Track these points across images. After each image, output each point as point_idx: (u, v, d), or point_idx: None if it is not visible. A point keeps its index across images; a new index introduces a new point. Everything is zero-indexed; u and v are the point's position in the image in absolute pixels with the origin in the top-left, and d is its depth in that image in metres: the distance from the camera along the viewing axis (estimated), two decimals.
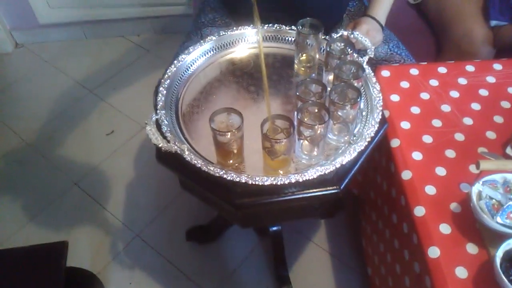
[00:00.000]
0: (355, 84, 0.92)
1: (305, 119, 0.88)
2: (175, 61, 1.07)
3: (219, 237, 1.52)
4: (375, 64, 1.22)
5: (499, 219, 0.81)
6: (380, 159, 1.11)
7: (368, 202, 1.28)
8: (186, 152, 0.87)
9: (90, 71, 2.13)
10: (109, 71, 2.12)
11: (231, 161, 0.91)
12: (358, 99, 0.88)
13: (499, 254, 0.77)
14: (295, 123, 0.86)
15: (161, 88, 1.01)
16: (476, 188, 0.86)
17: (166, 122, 0.94)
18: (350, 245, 1.49)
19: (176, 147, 0.87)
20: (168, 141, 0.89)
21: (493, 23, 1.40)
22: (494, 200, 0.84)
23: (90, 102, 1.99)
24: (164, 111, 0.96)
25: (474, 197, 0.85)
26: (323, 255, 1.49)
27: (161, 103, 0.98)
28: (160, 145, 0.87)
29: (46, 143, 1.84)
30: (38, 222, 1.59)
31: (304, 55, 1.06)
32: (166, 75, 1.04)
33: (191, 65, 1.10)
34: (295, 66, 1.09)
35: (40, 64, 2.18)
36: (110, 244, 1.54)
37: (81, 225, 1.59)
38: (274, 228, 1.42)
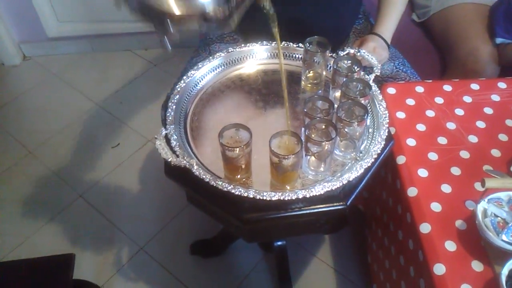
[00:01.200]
0: (362, 102, 0.94)
1: (313, 136, 0.89)
2: (184, 77, 1.09)
3: (223, 252, 1.52)
4: (380, 81, 1.24)
5: (504, 237, 0.81)
6: (386, 176, 1.12)
7: (374, 218, 1.28)
8: (195, 167, 0.88)
9: (97, 84, 2.16)
10: (116, 85, 2.15)
11: (238, 176, 0.92)
12: (365, 117, 0.90)
13: (505, 272, 0.78)
14: (303, 139, 0.87)
15: (170, 103, 1.03)
16: (481, 205, 0.86)
17: (175, 136, 0.95)
18: (355, 261, 1.49)
19: (185, 161, 0.88)
20: (177, 156, 0.90)
21: (499, 40, 1.42)
22: (499, 218, 0.84)
23: (96, 115, 2.01)
24: (173, 126, 0.97)
25: (479, 214, 0.85)
26: (328, 271, 1.49)
27: (170, 118, 0.99)
28: (169, 160, 0.88)
29: (52, 155, 1.85)
30: (42, 234, 1.60)
31: (311, 72, 1.08)
32: (176, 90, 1.06)
33: (200, 81, 1.12)
34: (302, 82, 1.11)
35: (47, 77, 2.21)
36: (115, 256, 1.55)
37: (85, 238, 1.59)
38: (279, 243, 1.43)
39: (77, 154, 1.85)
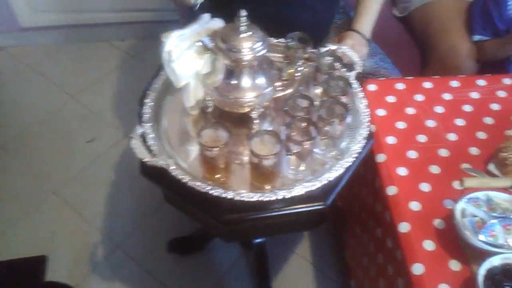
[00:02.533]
0: (343, 100, 0.92)
1: (293, 134, 0.87)
2: (161, 72, 1.05)
3: (202, 249, 1.51)
4: (361, 77, 1.23)
5: (482, 237, 0.82)
6: (365, 174, 1.12)
7: (353, 215, 1.28)
8: (172, 167, 0.85)
9: (72, 76, 2.09)
10: (92, 77, 2.08)
11: (218, 176, 0.90)
12: (346, 115, 0.89)
13: (482, 272, 0.78)
14: (283, 138, 0.86)
15: (146, 100, 1.00)
16: (460, 205, 0.87)
17: (152, 135, 0.92)
18: (333, 257, 1.50)
19: (162, 161, 0.85)
20: (154, 155, 0.88)
21: (476, 37, 1.43)
22: (477, 217, 0.85)
23: (71, 108, 1.95)
24: (150, 124, 0.94)
25: (458, 214, 0.86)
26: (307, 267, 1.49)
27: (146, 116, 0.96)
28: (145, 160, 0.85)
29: (26, 150, 1.79)
30: (15, 232, 1.55)
31: (292, 68, 1.06)
32: (152, 87, 1.03)
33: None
34: (283, 79, 1.08)
35: (20, 69, 2.13)
36: (90, 255, 1.51)
37: (59, 235, 1.55)
38: (258, 240, 1.41)
39: (51, 149, 1.80)
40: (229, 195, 0.83)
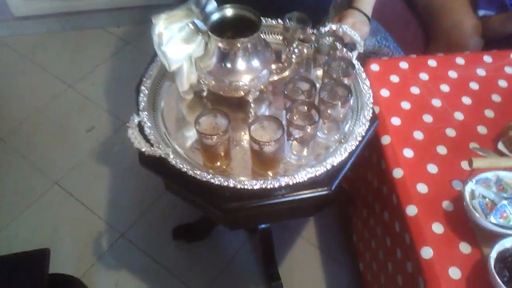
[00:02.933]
0: (345, 82, 0.89)
1: (295, 119, 0.85)
2: (157, 58, 1.02)
3: (207, 235, 1.49)
4: (363, 57, 1.19)
5: (492, 219, 0.80)
6: (370, 156, 1.09)
7: (359, 197, 1.26)
8: (171, 156, 0.83)
9: (69, 65, 2.05)
10: (89, 65, 2.05)
11: (218, 164, 0.88)
12: (349, 97, 0.86)
13: (493, 255, 0.76)
14: (284, 123, 0.83)
15: (142, 87, 0.97)
16: (469, 187, 0.84)
17: (149, 124, 0.90)
18: (340, 240, 1.48)
19: (160, 151, 0.83)
20: (152, 145, 0.85)
21: (481, 13, 1.38)
22: (487, 199, 0.83)
23: (69, 98, 1.92)
24: (146, 112, 0.92)
25: (467, 196, 0.83)
26: (313, 251, 1.48)
27: (143, 104, 0.94)
28: (143, 150, 0.83)
29: (25, 142, 1.77)
30: (18, 224, 1.54)
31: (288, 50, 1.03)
32: (148, 73, 1.00)
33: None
34: (283, 61, 1.05)
35: (16, 58, 2.09)
36: (94, 244, 1.50)
37: (63, 226, 1.54)
38: (263, 226, 1.40)
39: (50, 140, 1.77)
40: (231, 183, 0.81)
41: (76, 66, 2.04)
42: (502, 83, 1.10)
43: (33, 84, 1.98)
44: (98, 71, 2.03)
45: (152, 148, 0.84)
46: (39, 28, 2.18)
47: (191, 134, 0.94)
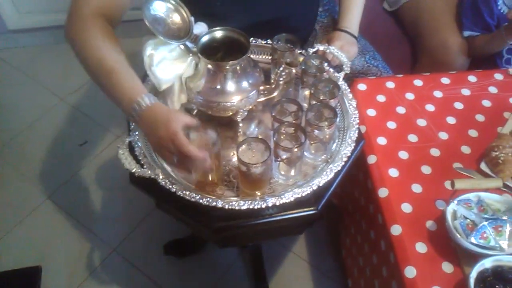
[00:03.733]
0: (331, 103, 0.91)
1: (282, 139, 0.86)
2: (147, 78, 1.04)
3: (198, 251, 1.50)
4: (351, 77, 1.22)
5: (473, 240, 0.81)
6: (357, 174, 1.11)
7: (347, 214, 1.28)
8: (161, 177, 0.85)
9: (62, 78, 2.07)
10: (82, 78, 2.05)
11: (209, 180, 0.89)
12: (334, 120, 0.88)
13: (473, 275, 0.78)
14: (271, 144, 0.85)
15: None
16: (451, 207, 0.86)
17: (139, 144, 0.91)
18: (330, 255, 1.50)
19: (150, 172, 0.84)
20: (142, 165, 0.87)
21: (467, 33, 1.41)
22: (468, 219, 0.85)
23: (61, 111, 1.94)
24: (137, 132, 0.93)
25: (449, 216, 0.85)
26: (303, 265, 1.49)
27: (134, 124, 0.95)
28: (133, 170, 0.84)
29: (16, 155, 1.78)
30: (10, 239, 1.54)
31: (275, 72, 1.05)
32: None
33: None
34: (272, 81, 1.07)
35: (9, 71, 2.11)
36: (86, 259, 1.51)
37: (55, 241, 1.55)
38: None
39: (43, 153, 1.78)
40: (219, 203, 0.83)
41: (70, 79, 2.06)
42: (486, 103, 1.13)
43: (26, 97, 2.00)
44: (91, 84, 2.04)
45: (142, 169, 0.85)
46: (33, 41, 2.20)
47: None
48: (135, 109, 0.80)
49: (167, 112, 0.78)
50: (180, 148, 0.74)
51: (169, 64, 0.92)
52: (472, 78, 1.19)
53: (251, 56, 1.12)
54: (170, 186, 0.84)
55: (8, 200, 1.65)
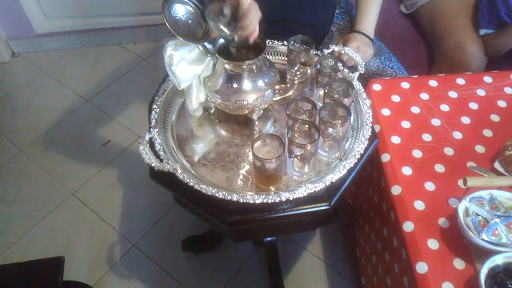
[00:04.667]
0: (345, 102, 0.94)
1: (296, 137, 0.89)
2: (168, 78, 1.08)
3: (215, 247, 1.54)
4: (366, 78, 1.24)
5: (484, 236, 0.82)
6: (371, 173, 1.13)
7: (362, 213, 1.29)
8: (179, 171, 0.88)
9: (87, 80, 2.15)
10: (105, 80, 2.13)
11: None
12: (348, 118, 0.90)
13: (484, 271, 0.79)
14: (286, 141, 0.87)
15: (154, 106, 1.03)
16: (463, 204, 0.87)
17: (159, 140, 0.95)
18: (344, 254, 1.51)
19: (168, 166, 0.88)
20: (161, 160, 0.91)
21: (482, 32, 1.41)
22: (480, 217, 0.85)
23: (86, 112, 2.01)
24: (157, 129, 0.97)
25: (461, 213, 0.86)
26: (318, 264, 1.51)
27: (154, 121, 0.99)
28: (153, 165, 0.88)
29: (43, 154, 1.85)
30: (35, 233, 1.61)
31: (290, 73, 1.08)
32: (159, 92, 1.06)
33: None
34: (287, 81, 1.10)
35: (36, 74, 2.20)
36: (107, 254, 1.56)
37: (78, 235, 1.60)
38: (269, 239, 1.44)
39: (68, 152, 1.85)
40: (234, 197, 0.86)
41: (93, 81, 2.13)
42: (501, 103, 1.13)
43: (52, 98, 2.08)
44: (114, 86, 2.11)
45: (161, 163, 0.89)
46: (59, 44, 2.29)
47: (198, 150, 0.99)
48: None
49: None
50: None
51: (188, 64, 0.95)
52: (487, 79, 1.19)
53: (268, 56, 1.15)
54: (188, 180, 0.88)
55: (35, 196, 1.71)
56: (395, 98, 1.15)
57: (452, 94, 1.16)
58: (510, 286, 0.77)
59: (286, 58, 1.13)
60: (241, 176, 0.95)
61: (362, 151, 0.93)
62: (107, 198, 1.70)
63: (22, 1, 2.05)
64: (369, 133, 0.96)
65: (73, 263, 1.50)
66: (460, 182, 0.98)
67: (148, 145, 0.91)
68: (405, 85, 1.18)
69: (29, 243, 1.59)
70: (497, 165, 0.99)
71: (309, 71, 1.08)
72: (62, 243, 1.58)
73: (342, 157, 0.95)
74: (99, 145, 1.87)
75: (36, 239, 1.59)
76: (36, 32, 2.20)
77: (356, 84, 1.04)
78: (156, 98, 1.05)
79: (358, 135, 0.98)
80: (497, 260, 0.80)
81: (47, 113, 2.00)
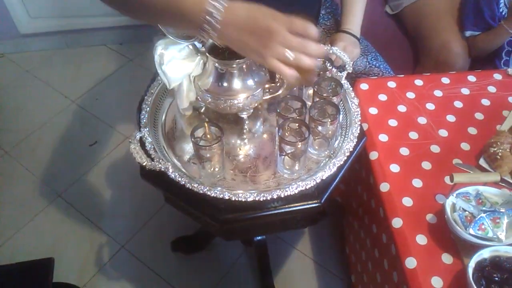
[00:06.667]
0: (334, 100, 0.95)
1: (286, 135, 0.90)
2: (158, 77, 1.08)
3: (205, 247, 1.54)
4: (354, 77, 1.25)
5: (471, 231, 0.84)
6: (360, 171, 1.14)
7: (351, 211, 1.31)
8: (170, 170, 0.88)
9: (72, 81, 2.13)
10: (91, 81, 2.12)
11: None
12: (337, 116, 0.91)
13: (471, 264, 0.81)
14: (276, 139, 0.88)
15: (144, 105, 1.03)
16: (450, 200, 0.89)
17: (149, 139, 0.95)
18: (334, 252, 1.52)
19: (160, 165, 0.88)
20: (152, 159, 0.91)
21: (468, 33, 1.45)
22: (467, 212, 0.87)
23: (72, 113, 1.99)
24: (147, 129, 0.97)
25: (448, 209, 0.88)
26: (308, 262, 1.52)
27: (144, 120, 0.99)
28: (144, 164, 0.88)
29: (29, 155, 1.83)
30: (22, 235, 1.59)
31: None
32: (149, 92, 1.06)
33: None
34: (277, 80, 1.11)
35: (21, 74, 2.17)
36: (96, 255, 1.55)
37: (66, 237, 1.59)
38: (258, 238, 1.45)
39: (54, 153, 1.83)
40: (226, 195, 0.86)
41: (79, 82, 2.11)
42: (485, 102, 1.16)
43: (38, 99, 2.05)
44: (100, 87, 2.09)
45: (153, 162, 0.89)
46: (44, 45, 2.26)
47: (189, 149, 0.99)
48: (210, 13, 0.67)
49: (257, 6, 0.68)
50: (303, 27, 0.66)
51: (178, 63, 0.95)
52: (471, 78, 1.22)
53: None
54: (179, 179, 0.88)
55: (20, 199, 1.69)
56: (382, 97, 1.17)
57: (438, 93, 1.18)
58: (497, 279, 0.79)
59: None
60: (232, 175, 0.95)
61: (351, 149, 0.95)
62: (95, 200, 1.69)
63: (6, 1, 2.02)
64: (358, 131, 0.98)
65: (61, 265, 1.48)
66: (447, 179, 0.99)
67: (138, 144, 0.91)
68: (391, 84, 1.20)
69: (17, 246, 1.56)
70: (482, 161, 1.01)
71: None
72: (50, 245, 1.57)
73: (332, 155, 0.96)
74: (86, 146, 1.86)
75: (24, 241, 1.57)
76: (21, 32, 2.17)
77: (345, 83, 1.05)
78: (146, 97, 1.05)
79: (347, 133, 0.99)
80: (484, 254, 0.82)
81: (32, 114, 1.98)
